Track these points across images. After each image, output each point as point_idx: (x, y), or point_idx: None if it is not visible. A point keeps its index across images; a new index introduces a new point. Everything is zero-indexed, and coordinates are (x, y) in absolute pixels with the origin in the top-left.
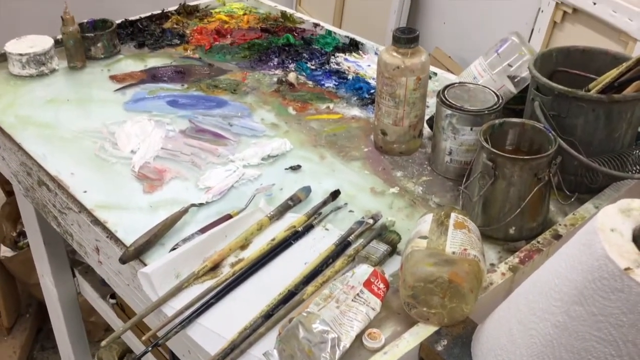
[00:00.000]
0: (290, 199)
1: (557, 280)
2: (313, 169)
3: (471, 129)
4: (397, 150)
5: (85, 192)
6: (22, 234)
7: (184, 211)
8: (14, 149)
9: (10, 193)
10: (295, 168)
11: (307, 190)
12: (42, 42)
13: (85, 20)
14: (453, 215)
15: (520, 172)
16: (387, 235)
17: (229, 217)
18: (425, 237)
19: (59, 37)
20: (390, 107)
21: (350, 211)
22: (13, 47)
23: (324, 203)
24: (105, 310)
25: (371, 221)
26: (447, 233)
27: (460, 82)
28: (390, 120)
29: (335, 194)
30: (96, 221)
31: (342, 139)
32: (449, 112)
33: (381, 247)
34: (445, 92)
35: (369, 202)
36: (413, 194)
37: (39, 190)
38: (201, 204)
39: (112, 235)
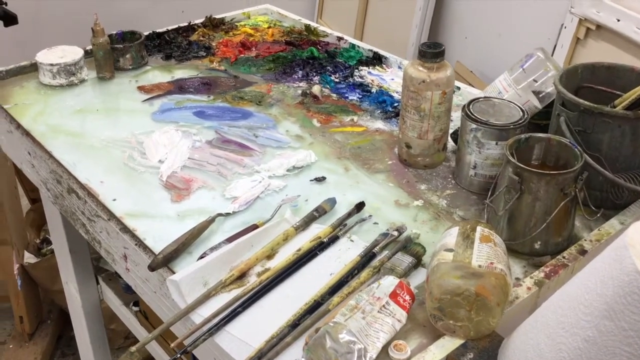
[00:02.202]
0: (316, 210)
1: (587, 295)
2: (338, 181)
3: (496, 143)
4: (421, 163)
5: (114, 200)
6: (46, 241)
7: (211, 220)
8: (44, 157)
9: (34, 200)
10: (320, 180)
11: (332, 201)
12: (72, 53)
13: (114, 32)
14: (479, 228)
15: (547, 187)
16: (412, 248)
17: (255, 227)
18: (451, 250)
19: (89, 47)
20: (415, 121)
21: (375, 223)
22: (44, 57)
23: (349, 215)
24: (128, 317)
25: (396, 233)
26: (473, 246)
27: (485, 97)
28: (415, 134)
29: (360, 206)
30: (125, 229)
31: (366, 152)
32: (474, 126)
33: (406, 259)
34: (471, 106)
35: (393, 214)
36: (437, 207)
37: (68, 197)
38: (227, 214)
39: (140, 243)
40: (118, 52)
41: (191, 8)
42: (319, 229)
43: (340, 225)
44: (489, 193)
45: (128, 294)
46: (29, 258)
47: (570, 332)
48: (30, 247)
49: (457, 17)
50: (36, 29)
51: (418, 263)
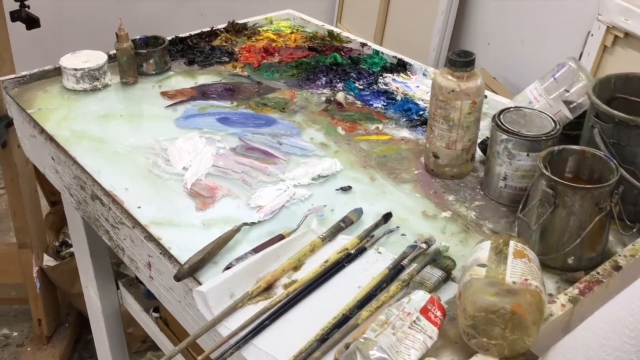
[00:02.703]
0: (342, 220)
1: (632, 318)
2: (363, 191)
3: (527, 155)
4: (448, 173)
5: (139, 207)
6: (65, 244)
7: (237, 230)
8: (68, 163)
9: (54, 203)
10: (345, 189)
11: (358, 212)
12: (96, 58)
13: (138, 37)
14: (512, 243)
15: (582, 201)
16: (441, 261)
17: (281, 237)
18: (484, 265)
19: (112, 52)
20: (443, 130)
21: (403, 235)
22: (68, 61)
23: (376, 226)
24: (147, 323)
25: (424, 246)
26: (506, 262)
27: (515, 107)
28: (443, 144)
29: (387, 217)
30: (150, 237)
31: (392, 161)
32: (505, 137)
33: (436, 273)
34: (501, 116)
35: (421, 225)
36: (466, 219)
37: (92, 204)
38: (253, 223)
39: (165, 252)
40: (141, 57)
41: (211, 11)
42: (345, 240)
43: (367, 236)
44: (521, 206)
45: (148, 300)
46: (48, 261)
47: (613, 355)
48: (49, 250)
49: (479, 22)
50: (58, 32)
51: (448, 277)
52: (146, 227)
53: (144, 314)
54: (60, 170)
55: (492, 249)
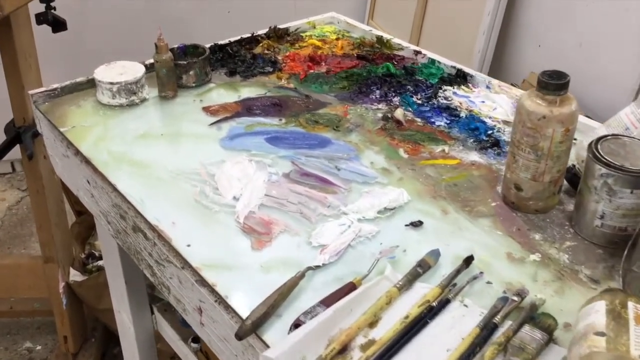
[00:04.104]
0: (419, 265)
1: None
2: (436, 226)
3: (631, 192)
4: (532, 207)
5: (188, 246)
6: (91, 256)
7: (301, 276)
8: (106, 189)
9: (80, 213)
10: (416, 224)
11: (435, 254)
12: (132, 70)
13: (176, 46)
14: (630, 305)
15: None
16: (541, 319)
17: (352, 286)
18: (602, 334)
19: (148, 62)
20: (530, 161)
21: (488, 282)
22: (103, 74)
23: (458, 272)
24: (185, 353)
25: (517, 298)
26: (628, 330)
27: (613, 135)
28: (529, 175)
29: (468, 261)
30: (203, 282)
31: (464, 190)
32: (604, 170)
33: (536, 335)
34: (598, 145)
35: (507, 270)
36: (558, 264)
37: (133, 235)
38: (317, 267)
39: (221, 301)
40: (181, 68)
41: (237, 7)
42: (425, 289)
43: (449, 284)
44: (626, 252)
45: (186, 328)
46: (75, 275)
47: None
48: (75, 263)
49: (529, 23)
50: (79, 34)
51: (550, 339)
52: (198, 270)
53: (180, 343)
54: (96, 195)
55: (609, 312)
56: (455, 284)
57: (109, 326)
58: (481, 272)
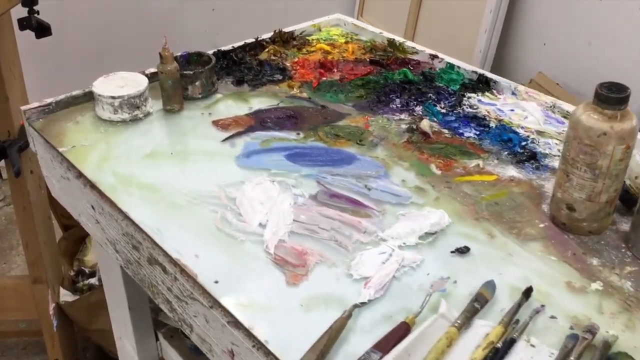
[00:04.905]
0: (476, 299)
1: None
2: (484, 252)
3: None
4: (586, 229)
5: (216, 282)
6: (81, 273)
7: (348, 316)
8: (116, 216)
9: (67, 227)
10: (462, 251)
11: (491, 286)
12: (134, 81)
13: (179, 54)
14: None
15: None
16: None
17: (405, 326)
18: None
19: (147, 71)
20: (586, 180)
21: (552, 317)
22: (102, 87)
23: (519, 306)
24: None
25: (588, 336)
26: None
27: None
28: (584, 195)
29: (528, 293)
30: (236, 324)
31: (507, 210)
32: None
33: None
34: None
35: (569, 302)
36: (622, 292)
37: (148, 267)
38: (363, 303)
39: (260, 346)
40: (187, 79)
41: (222, 6)
42: (486, 328)
43: (511, 321)
44: None
45: (195, 355)
46: (65, 295)
47: None
48: (65, 282)
49: (533, 20)
50: (59, 35)
51: None
52: (231, 310)
53: None
54: (103, 221)
55: None
56: (517, 321)
57: (102, 347)
58: (542, 305)
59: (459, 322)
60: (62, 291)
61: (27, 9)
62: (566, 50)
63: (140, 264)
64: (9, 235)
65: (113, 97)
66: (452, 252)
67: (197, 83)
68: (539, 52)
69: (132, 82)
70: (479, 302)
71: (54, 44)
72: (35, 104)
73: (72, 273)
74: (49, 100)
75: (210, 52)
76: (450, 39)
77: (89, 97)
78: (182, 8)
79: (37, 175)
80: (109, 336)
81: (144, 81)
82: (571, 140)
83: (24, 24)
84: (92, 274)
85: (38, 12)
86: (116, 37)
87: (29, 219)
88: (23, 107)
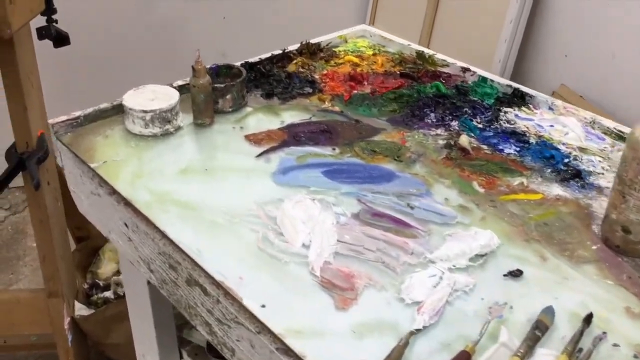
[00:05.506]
0: (536, 326)
1: None
2: (537, 276)
3: None
4: None
5: (263, 306)
6: (95, 286)
7: (405, 344)
8: (152, 235)
9: (80, 239)
10: (515, 274)
11: (550, 312)
12: (165, 95)
13: (208, 67)
14: None
15: None
16: None
17: (467, 355)
18: None
19: (174, 84)
20: None
21: (615, 345)
22: (133, 101)
23: (581, 333)
24: None
25: None
26: None
27: None
28: None
29: (588, 319)
30: (287, 351)
31: (556, 231)
32: None
33: None
34: None
35: (630, 329)
36: None
37: (186, 288)
38: (418, 330)
39: None
40: (217, 92)
41: (232, 14)
42: (549, 357)
43: (574, 350)
44: None
45: None
46: (81, 309)
47: None
48: (79, 295)
49: (554, 31)
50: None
51: None
52: (281, 337)
53: None
54: (136, 239)
55: None
56: (581, 349)
57: None
58: (604, 333)
59: (521, 351)
60: (77, 305)
61: (45, 18)
62: (589, 62)
63: (177, 284)
64: (16, 245)
65: (144, 111)
66: (504, 275)
67: (227, 96)
68: (560, 64)
69: (162, 95)
70: (540, 329)
71: (61, 52)
72: (63, 117)
73: (86, 286)
74: (77, 114)
75: (239, 63)
76: (468, 49)
77: (117, 110)
78: (191, 16)
79: (53, 187)
80: (123, 350)
81: (175, 94)
82: (630, 160)
83: (42, 33)
84: (106, 287)
85: (57, 21)
86: (124, 44)
87: (46, 232)
88: (51, 121)
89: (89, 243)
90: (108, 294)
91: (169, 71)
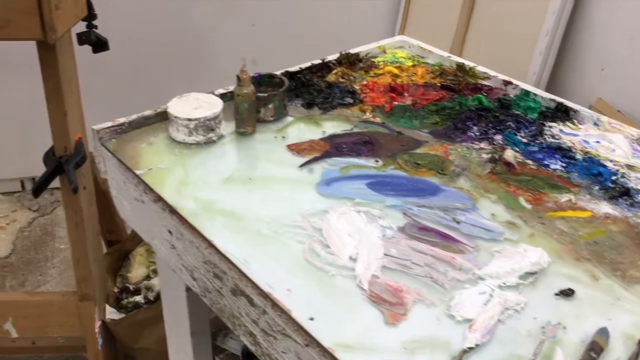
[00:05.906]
0: (591, 348)
1: None
2: (590, 296)
3: None
4: None
5: (311, 319)
6: (125, 290)
7: None
8: (197, 243)
9: (111, 243)
10: (567, 294)
11: (605, 334)
12: (208, 103)
13: (251, 75)
14: None
15: None
16: None
17: None
18: None
19: (216, 92)
20: None
21: None
22: (177, 109)
23: (636, 355)
24: None
25: None
26: None
27: None
28: None
29: None
30: None
31: (607, 250)
32: None
33: None
34: None
35: None
36: None
37: (231, 298)
38: (471, 348)
39: None
40: (260, 101)
41: (261, 22)
42: None
43: None
44: None
45: None
46: (111, 313)
47: None
48: (109, 299)
49: (591, 44)
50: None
51: None
52: (331, 351)
53: None
54: (180, 247)
55: None
56: None
57: None
58: None
59: None
60: (108, 309)
61: (85, 23)
62: (627, 76)
63: (221, 293)
64: (44, 247)
65: (189, 119)
66: (556, 294)
67: (270, 106)
68: (597, 78)
69: (205, 104)
70: (595, 350)
71: (96, 58)
72: (108, 124)
73: (116, 290)
74: (121, 120)
75: (279, 72)
76: (501, 60)
77: (161, 118)
78: (221, 23)
79: (89, 192)
80: (153, 355)
81: (219, 103)
82: None
83: (82, 38)
84: (137, 291)
85: (97, 27)
86: (155, 52)
87: (81, 235)
88: (95, 127)
89: (120, 247)
90: (138, 298)
91: (201, 78)
